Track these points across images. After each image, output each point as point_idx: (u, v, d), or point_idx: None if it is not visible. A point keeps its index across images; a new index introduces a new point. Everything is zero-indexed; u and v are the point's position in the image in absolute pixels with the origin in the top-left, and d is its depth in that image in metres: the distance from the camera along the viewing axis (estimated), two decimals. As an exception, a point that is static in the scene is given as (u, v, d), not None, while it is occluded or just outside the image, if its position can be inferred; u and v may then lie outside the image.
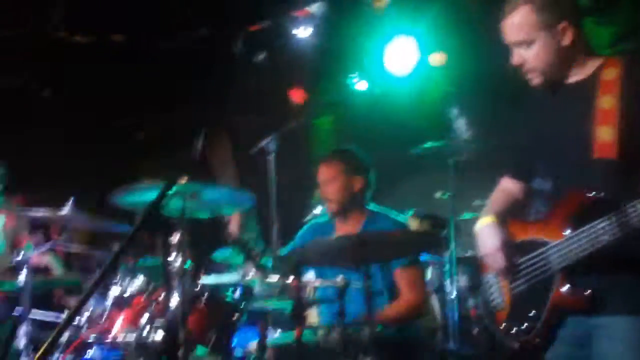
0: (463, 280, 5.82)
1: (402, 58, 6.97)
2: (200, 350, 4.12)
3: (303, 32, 4.95)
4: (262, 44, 4.03)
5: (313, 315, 4.98)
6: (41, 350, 2.52)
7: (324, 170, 4.94)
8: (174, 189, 3.63)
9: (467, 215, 5.95)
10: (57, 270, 5.58)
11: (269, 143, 5.41)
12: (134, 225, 5.00)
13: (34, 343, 4.51)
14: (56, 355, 4.05)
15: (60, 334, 3.07)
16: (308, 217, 5.62)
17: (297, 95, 6.37)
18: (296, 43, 5.15)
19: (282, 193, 5.17)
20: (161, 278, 4.40)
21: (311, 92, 6.94)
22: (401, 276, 4.66)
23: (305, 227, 5.09)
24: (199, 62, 6.74)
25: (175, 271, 3.84)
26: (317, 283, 4.45)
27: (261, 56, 3.85)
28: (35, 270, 4.86)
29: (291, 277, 4.18)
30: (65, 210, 4.60)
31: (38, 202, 6.35)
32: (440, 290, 6.00)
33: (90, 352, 4.22)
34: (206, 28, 6.92)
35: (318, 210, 5.67)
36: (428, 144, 5.58)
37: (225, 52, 5.41)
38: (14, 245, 5.76)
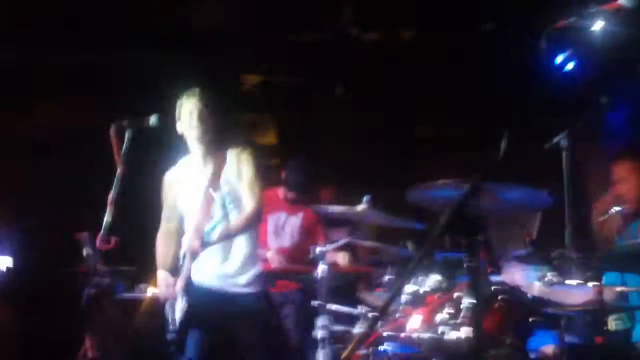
0: None
1: None
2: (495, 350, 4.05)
3: (606, 26, 4.70)
4: (565, 42, 3.85)
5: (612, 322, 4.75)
6: (351, 346, 2.60)
7: (618, 168, 4.74)
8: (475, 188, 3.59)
9: None
10: (349, 264, 5.75)
11: (562, 139, 5.24)
12: (431, 224, 5.05)
13: (330, 335, 4.65)
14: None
15: (370, 329, 3.17)
16: (603, 217, 5.35)
17: (590, 90, 6.05)
18: (597, 38, 4.89)
19: (576, 192, 4.96)
20: (455, 276, 4.39)
21: (605, 86, 6.59)
22: None
23: None
24: (492, 59, 6.62)
25: (472, 270, 3.79)
26: (621, 289, 4.22)
27: (567, 55, 3.68)
28: (331, 264, 5.01)
29: (592, 281, 4.01)
30: (362, 206, 4.71)
31: (333, 199, 6.63)
32: None
33: (384, 347, 4.30)
34: (494, 22, 6.81)
35: (613, 210, 5.38)
36: None
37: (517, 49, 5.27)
38: (311, 240, 6.04)
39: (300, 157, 6.45)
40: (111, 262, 6.10)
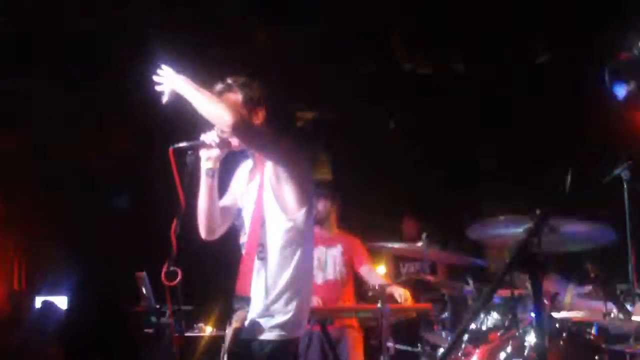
0: None
1: None
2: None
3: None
4: (627, 74, 3.78)
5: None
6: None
7: None
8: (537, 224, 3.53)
9: None
10: (408, 300, 5.67)
11: (623, 171, 5.17)
12: (489, 260, 4.99)
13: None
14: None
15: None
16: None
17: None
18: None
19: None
20: (517, 313, 4.30)
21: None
22: None
23: None
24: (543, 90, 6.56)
25: (536, 307, 3.72)
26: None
27: (631, 87, 3.60)
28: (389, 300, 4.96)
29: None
30: (420, 243, 4.68)
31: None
32: None
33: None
34: (550, 53, 6.76)
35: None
36: None
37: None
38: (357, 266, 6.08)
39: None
40: (169, 301, 6.12)
